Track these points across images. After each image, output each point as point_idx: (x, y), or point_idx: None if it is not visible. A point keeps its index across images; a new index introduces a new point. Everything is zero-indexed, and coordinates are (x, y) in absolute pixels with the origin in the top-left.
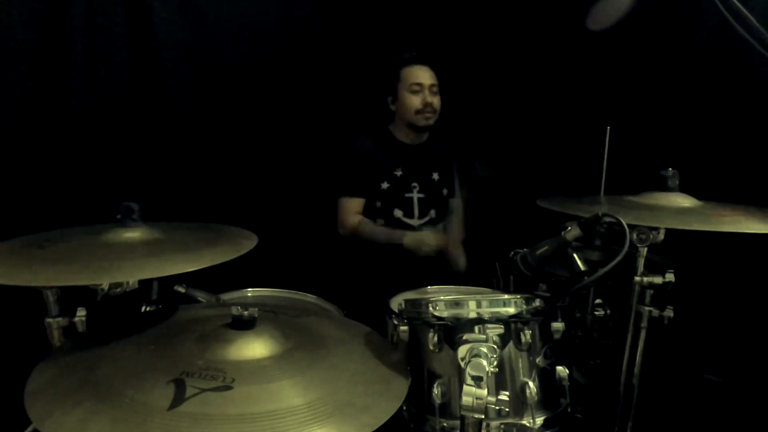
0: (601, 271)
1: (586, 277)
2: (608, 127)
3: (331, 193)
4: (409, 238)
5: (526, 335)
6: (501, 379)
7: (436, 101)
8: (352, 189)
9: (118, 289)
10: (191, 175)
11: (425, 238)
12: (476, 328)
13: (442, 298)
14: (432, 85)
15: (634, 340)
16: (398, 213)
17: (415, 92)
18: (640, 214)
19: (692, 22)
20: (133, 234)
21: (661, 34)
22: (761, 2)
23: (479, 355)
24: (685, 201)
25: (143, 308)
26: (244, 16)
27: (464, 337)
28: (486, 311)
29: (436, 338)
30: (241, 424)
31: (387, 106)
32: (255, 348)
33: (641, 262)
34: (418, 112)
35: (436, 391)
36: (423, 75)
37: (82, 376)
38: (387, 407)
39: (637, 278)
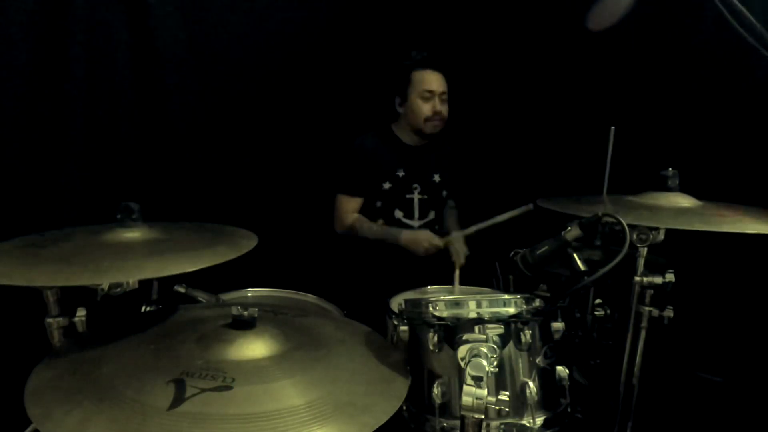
0: (601, 271)
1: (586, 277)
2: (612, 127)
3: (330, 190)
4: (405, 237)
5: (526, 335)
6: (501, 379)
7: (445, 109)
8: (351, 188)
9: (118, 289)
10: (191, 175)
11: (422, 237)
12: (476, 328)
13: (442, 298)
14: (443, 93)
15: (634, 340)
16: (399, 214)
17: (426, 99)
18: (640, 214)
19: (692, 22)
20: (133, 234)
21: (661, 34)
22: (761, 2)
23: (479, 355)
24: (685, 201)
25: (143, 308)
26: (245, 13)
27: (464, 337)
28: (486, 311)
29: (436, 338)
30: (241, 424)
31: (391, 105)
32: (255, 348)
33: (641, 262)
34: (427, 119)
35: (436, 391)
36: (435, 82)
37: (82, 376)
38: (387, 407)
39: (637, 278)
